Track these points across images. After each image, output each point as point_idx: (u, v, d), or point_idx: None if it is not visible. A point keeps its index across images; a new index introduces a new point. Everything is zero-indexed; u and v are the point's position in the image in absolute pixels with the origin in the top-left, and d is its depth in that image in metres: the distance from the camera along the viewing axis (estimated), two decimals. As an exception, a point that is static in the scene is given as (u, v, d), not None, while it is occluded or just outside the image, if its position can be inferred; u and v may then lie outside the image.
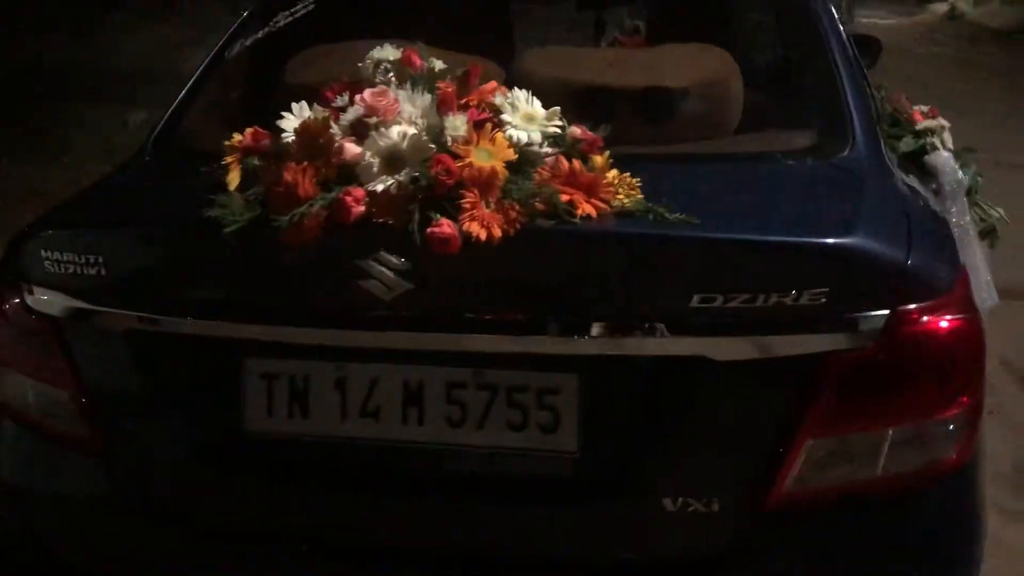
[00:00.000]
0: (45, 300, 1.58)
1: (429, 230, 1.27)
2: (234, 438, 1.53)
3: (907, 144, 2.18)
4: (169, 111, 2.03)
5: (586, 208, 1.33)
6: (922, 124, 2.28)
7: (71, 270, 1.54)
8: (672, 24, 2.56)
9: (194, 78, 2.11)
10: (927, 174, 2.14)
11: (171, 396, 1.58)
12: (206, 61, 2.15)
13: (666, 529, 1.42)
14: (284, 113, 1.48)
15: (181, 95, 2.07)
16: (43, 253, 1.57)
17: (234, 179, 1.48)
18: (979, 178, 2.23)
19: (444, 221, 1.27)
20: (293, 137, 1.42)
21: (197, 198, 1.47)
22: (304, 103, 1.47)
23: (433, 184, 1.30)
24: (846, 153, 1.66)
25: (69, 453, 1.68)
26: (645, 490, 1.42)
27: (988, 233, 2.26)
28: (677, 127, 1.77)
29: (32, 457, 1.75)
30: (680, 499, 1.40)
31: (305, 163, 1.35)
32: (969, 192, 2.18)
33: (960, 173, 2.15)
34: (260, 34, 2.09)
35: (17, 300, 1.63)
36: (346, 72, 1.62)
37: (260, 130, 1.49)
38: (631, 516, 1.44)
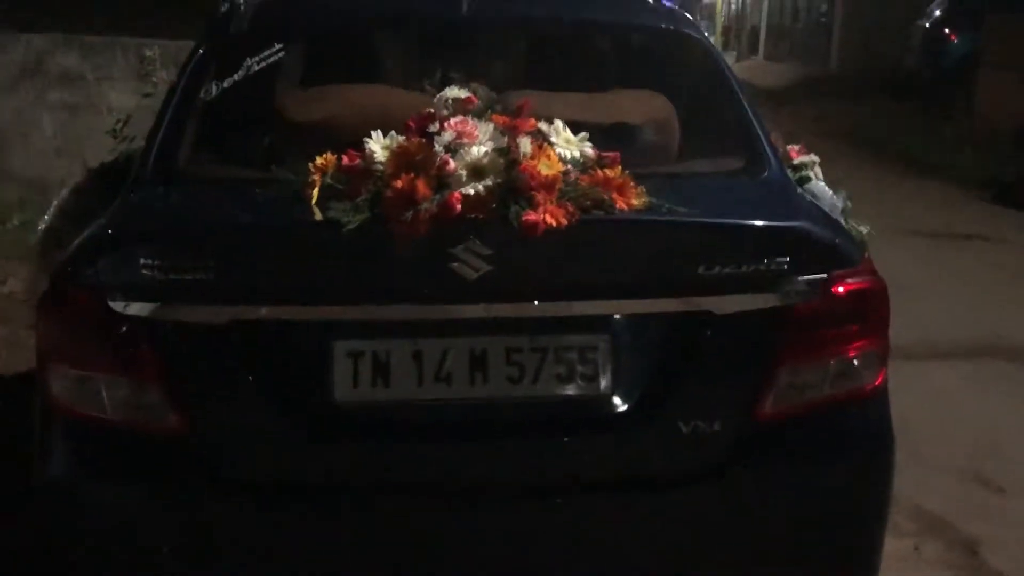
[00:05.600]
0: (136, 304, 1.78)
1: (524, 217, 1.71)
2: (325, 408, 1.86)
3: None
4: (156, 144, 2.19)
5: (621, 204, 1.81)
6: (798, 159, 2.91)
7: (167, 274, 1.78)
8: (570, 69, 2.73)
9: (168, 114, 2.25)
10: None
11: (264, 378, 1.84)
12: (174, 99, 2.30)
13: (681, 447, 1.89)
14: (367, 140, 1.83)
15: (162, 130, 2.22)
16: (132, 259, 1.79)
17: (315, 193, 1.82)
18: (849, 202, 2.87)
19: (531, 211, 1.72)
20: (385, 157, 1.82)
21: (269, 208, 1.84)
22: (392, 132, 1.86)
23: (518, 187, 1.74)
24: (766, 175, 2.23)
25: (151, 442, 1.86)
26: (663, 418, 1.88)
27: (859, 245, 2.89)
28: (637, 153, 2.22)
29: (101, 451, 1.90)
30: (691, 423, 1.87)
31: (412, 174, 1.76)
32: (843, 213, 2.81)
33: (837, 200, 2.77)
34: (235, 77, 2.27)
35: (97, 305, 1.80)
36: (345, 112, 2.07)
37: (353, 152, 1.86)
38: (654, 439, 1.89)
